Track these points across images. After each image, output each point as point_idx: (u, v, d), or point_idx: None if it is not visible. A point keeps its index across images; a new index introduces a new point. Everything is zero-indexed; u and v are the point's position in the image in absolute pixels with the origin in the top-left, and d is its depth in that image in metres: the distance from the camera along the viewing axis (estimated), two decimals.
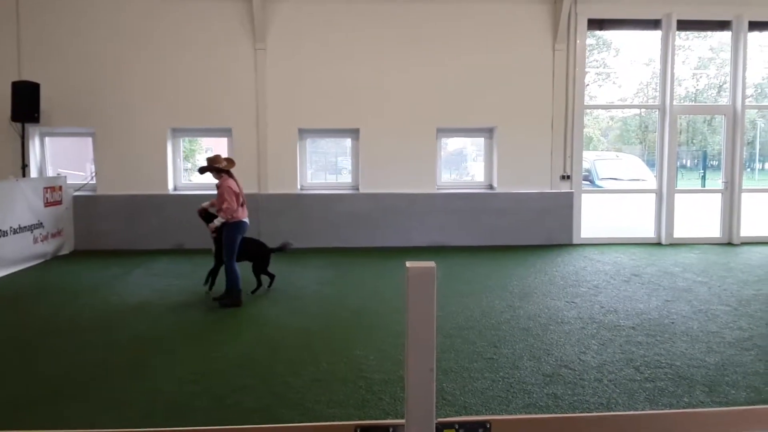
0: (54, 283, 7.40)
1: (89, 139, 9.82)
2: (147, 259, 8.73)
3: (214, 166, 6.42)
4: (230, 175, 6.48)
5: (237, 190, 6.38)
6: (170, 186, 9.75)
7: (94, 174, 9.70)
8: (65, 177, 9.36)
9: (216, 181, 6.49)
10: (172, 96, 9.53)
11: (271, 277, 6.96)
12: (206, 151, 11.41)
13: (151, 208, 9.53)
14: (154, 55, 9.48)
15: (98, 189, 9.61)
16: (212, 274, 6.83)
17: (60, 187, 9.10)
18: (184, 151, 10.27)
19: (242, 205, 6.47)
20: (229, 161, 6.56)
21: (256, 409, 3.77)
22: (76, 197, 9.49)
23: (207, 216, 6.67)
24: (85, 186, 9.68)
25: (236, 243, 6.42)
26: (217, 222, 6.37)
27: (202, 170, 6.55)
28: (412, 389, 1.17)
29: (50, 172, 9.73)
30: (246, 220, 6.52)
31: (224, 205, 6.26)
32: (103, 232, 9.46)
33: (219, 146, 10.31)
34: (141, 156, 9.55)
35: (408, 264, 1.15)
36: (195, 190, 9.79)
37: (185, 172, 10.29)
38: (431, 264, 1.15)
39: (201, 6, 9.46)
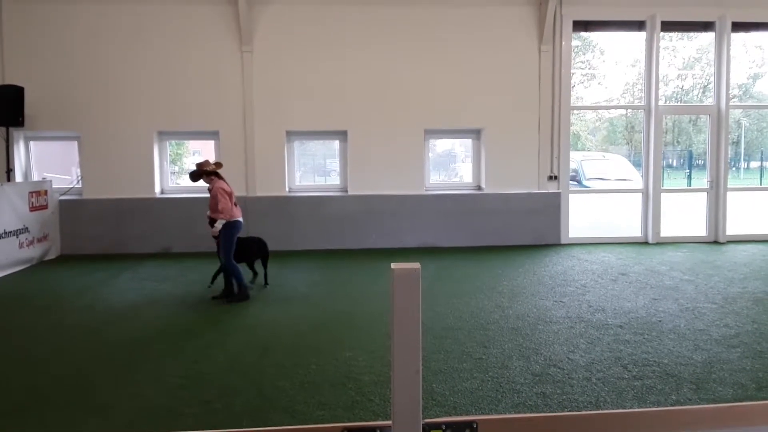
0: (40, 288, 7.31)
1: (75, 143, 9.74)
2: (134, 263, 8.66)
3: (203, 170, 6.50)
4: (219, 177, 6.60)
5: (229, 190, 6.53)
6: (157, 189, 9.69)
7: (80, 178, 9.61)
8: (51, 181, 9.27)
9: (207, 186, 6.66)
10: (158, 99, 9.46)
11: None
12: (193, 154, 11.35)
13: (137, 211, 9.45)
14: (139, 57, 9.41)
15: (84, 193, 9.53)
16: (218, 274, 6.93)
17: (45, 192, 9.00)
18: (170, 155, 10.21)
19: (235, 205, 6.62)
20: (217, 164, 6.73)
21: (245, 413, 3.74)
22: (62, 201, 9.39)
23: (211, 222, 6.63)
24: (71, 190, 9.59)
25: (234, 242, 6.57)
26: (218, 225, 6.41)
27: (193, 178, 6.61)
28: (399, 390, 1.17)
29: (35, 177, 9.64)
30: (241, 219, 6.68)
31: (220, 206, 6.37)
32: (90, 236, 9.38)
33: (206, 149, 10.27)
34: (127, 159, 9.47)
35: (393, 265, 1.15)
36: (182, 194, 9.75)
37: (172, 175, 10.23)
38: (416, 265, 1.15)
39: (187, 9, 9.41)
